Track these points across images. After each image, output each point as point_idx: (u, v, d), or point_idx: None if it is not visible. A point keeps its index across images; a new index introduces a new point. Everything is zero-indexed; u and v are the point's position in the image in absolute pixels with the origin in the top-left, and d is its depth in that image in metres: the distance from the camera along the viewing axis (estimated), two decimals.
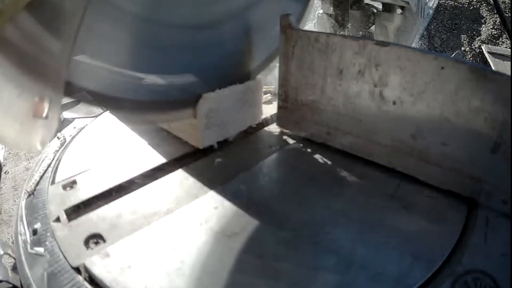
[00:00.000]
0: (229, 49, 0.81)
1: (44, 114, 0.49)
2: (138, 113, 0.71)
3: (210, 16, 0.75)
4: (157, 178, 0.72)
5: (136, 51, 0.67)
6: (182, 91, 0.74)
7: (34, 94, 0.48)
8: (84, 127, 0.92)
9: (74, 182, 0.70)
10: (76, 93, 0.59)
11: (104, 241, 0.57)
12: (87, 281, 0.51)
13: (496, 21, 4.09)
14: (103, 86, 0.63)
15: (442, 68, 0.60)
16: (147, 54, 0.68)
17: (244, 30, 0.81)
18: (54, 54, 0.49)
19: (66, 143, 0.85)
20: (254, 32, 0.83)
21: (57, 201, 0.65)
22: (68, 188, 0.68)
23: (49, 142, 0.79)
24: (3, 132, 0.46)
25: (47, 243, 0.58)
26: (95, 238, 0.58)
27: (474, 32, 4.17)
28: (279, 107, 0.85)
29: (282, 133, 0.87)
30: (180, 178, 0.72)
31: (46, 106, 0.50)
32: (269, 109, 0.95)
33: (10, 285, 0.66)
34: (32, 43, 0.46)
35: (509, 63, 3.37)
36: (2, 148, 2.22)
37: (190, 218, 0.61)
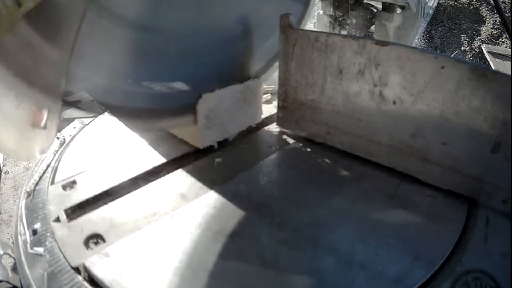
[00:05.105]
0: (231, 53, 0.81)
1: (43, 124, 0.50)
2: (138, 120, 0.71)
3: (211, 21, 0.75)
4: (157, 178, 0.72)
5: (135, 58, 0.66)
6: (184, 98, 0.74)
7: (33, 103, 0.48)
8: (84, 127, 0.91)
9: (74, 182, 0.70)
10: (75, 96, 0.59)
11: (103, 241, 0.57)
12: (87, 281, 0.51)
13: (496, 21, 4.10)
14: (102, 95, 0.63)
15: (442, 67, 0.60)
16: (147, 61, 0.68)
17: (246, 33, 0.81)
18: (52, 63, 0.50)
19: (65, 143, 0.85)
20: (255, 34, 0.83)
21: (57, 201, 0.65)
22: (68, 188, 0.68)
23: (48, 149, 0.79)
24: (2, 141, 0.46)
25: (47, 243, 0.58)
26: (94, 238, 0.57)
27: (474, 32, 4.17)
28: (279, 107, 0.85)
29: (282, 133, 0.87)
30: (180, 178, 0.72)
31: (44, 115, 0.50)
32: (269, 109, 0.95)
33: (10, 285, 0.66)
34: (30, 52, 0.46)
35: (509, 63, 3.37)
36: None
37: (189, 218, 0.61)
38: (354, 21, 1.46)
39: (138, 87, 0.68)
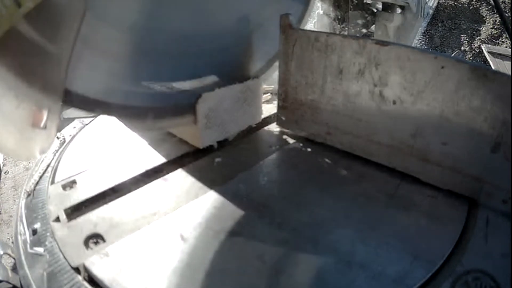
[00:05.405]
0: (231, 53, 0.81)
1: (43, 124, 0.50)
2: (138, 120, 0.71)
3: (211, 21, 0.75)
4: (157, 178, 0.72)
5: (135, 59, 0.66)
6: (185, 97, 0.74)
7: (33, 103, 0.48)
8: (84, 127, 0.91)
9: (74, 182, 0.70)
10: (76, 101, 0.59)
11: (103, 241, 0.57)
12: (87, 281, 0.51)
13: (496, 20, 4.10)
14: (103, 95, 0.63)
15: (442, 67, 0.60)
16: (147, 61, 0.68)
17: (247, 33, 0.81)
18: (52, 63, 0.50)
19: (65, 143, 0.85)
20: (256, 34, 0.83)
21: (57, 201, 0.65)
22: (67, 188, 0.68)
23: (48, 149, 0.79)
24: (2, 141, 0.46)
25: (46, 243, 0.58)
26: (94, 238, 0.57)
27: (474, 32, 4.17)
28: (279, 107, 0.85)
29: (282, 133, 0.87)
30: (180, 178, 0.72)
31: (44, 115, 0.50)
32: (269, 109, 0.95)
33: (10, 285, 0.66)
34: (30, 52, 0.46)
35: (509, 63, 3.37)
36: None
37: (190, 218, 0.61)
38: (354, 21, 1.46)
39: (138, 87, 0.68)
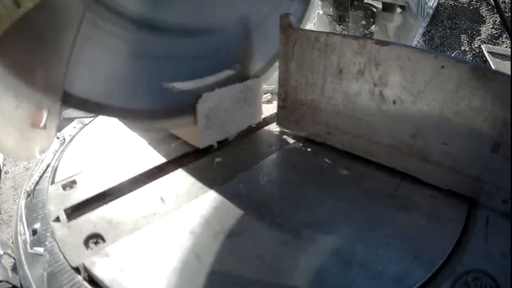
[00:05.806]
0: (231, 52, 0.81)
1: (42, 124, 0.50)
2: (138, 120, 0.71)
3: (213, 22, 0.75)
4: (157, 178, 0.72)
5: (135, 59, 0.66)
6: (185, 97, 0.74)
7: (32, 104, 0.48)
8: (84, 127, 0.91)
9: (74, 182, 0.70)
10: (75, 102, 0.59)
11: (103, 241, 0.57)
12: (87, 281, 0.51)
13: (496, 20, 4.10)
14: (102, 96, 0.63)
15: (442, 67, 0.60)
16: (146, 62, 0.68)
17: (247, 33, 0.81)
18: (52, 63, 0.50)
19: (65, 143, 0.85)
20: (256, 34, 0.83)
21: (57, 201, 0.65)
22: (67, 188, 0.68)
23: (48, 149, 0.79)
24: (2, 141, 0.46)
25: (46, 243, 0.58)
26: (94, 238, 0.57)
27: (474, 32, 4.17)
28: (279, 107, 0.85)
29: (282, 133, 0.87)
30: (180, 178, 0.72)
31: (44, 115, 0.50)
32: (269, 109, 0.95)
33: (10, 285, 0.66)
34: (29, 53, 0.46)
35: (509, 63, 3.37)
36: None
37: (190, 218, 0.61)
38: (354, 21, 1.46)
39: (138, 88, 0.68)
